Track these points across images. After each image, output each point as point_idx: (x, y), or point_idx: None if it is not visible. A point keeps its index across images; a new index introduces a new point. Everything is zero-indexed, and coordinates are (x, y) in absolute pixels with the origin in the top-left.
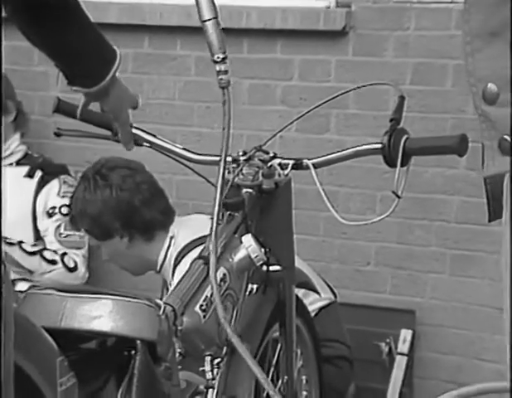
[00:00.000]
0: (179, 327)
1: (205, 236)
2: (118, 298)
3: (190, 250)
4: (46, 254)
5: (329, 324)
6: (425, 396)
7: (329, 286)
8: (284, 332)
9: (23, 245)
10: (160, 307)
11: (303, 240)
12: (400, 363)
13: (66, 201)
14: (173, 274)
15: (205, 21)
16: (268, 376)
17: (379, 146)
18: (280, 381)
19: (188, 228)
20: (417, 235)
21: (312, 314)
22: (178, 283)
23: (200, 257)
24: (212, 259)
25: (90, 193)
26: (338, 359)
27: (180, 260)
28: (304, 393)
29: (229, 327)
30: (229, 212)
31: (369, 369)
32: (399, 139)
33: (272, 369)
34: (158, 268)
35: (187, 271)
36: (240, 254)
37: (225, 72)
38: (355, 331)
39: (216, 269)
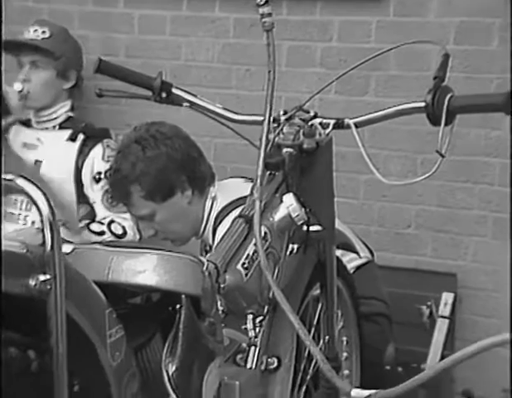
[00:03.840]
0: (221, 285)
1: (243, 197)
2: (163, 252)
3: (230, 212)
4: (93, 226)
5: (367, 282)
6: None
7: (367, 246)
8: (325, 292)
9: (68, 225)
10: (203, 263)
11: (343, 203)
12: (441, 326)
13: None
14: (213, 237)
15: None
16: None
17: (423, 104)
18: (321, 342)
19: (226, 191)
20: (460, 198)
21: (351, 271)
22: (220, 242)
23: (241, 216)
24: (257, 217)
25: (152, 150)
26: (376, 316)
27: (219, 222)
28: (344, 354)
29: (272, 280)
30: (269, 172)
31: (410, 332)
32: (443, 97)
33: (312, 329)
34: (201, 231)
35: (228, 229)
36: (281, 214)
37: (269, 15)
38: (396, 294)
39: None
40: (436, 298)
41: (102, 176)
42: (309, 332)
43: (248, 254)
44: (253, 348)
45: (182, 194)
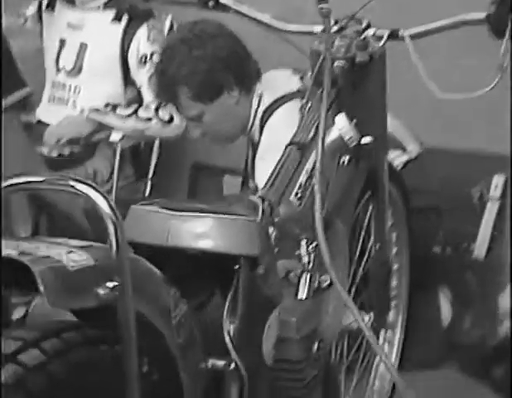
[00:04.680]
0: (275, 219)
1: (290, 94)
2: (220, 216)
3: (276, 108)
4: (141, 112)
5: (416, 175)
6: None
7: (415, 139)
8: (376, 200)
9: (118, 111)
10: (257, 204)
11: None
12: (491, 208)
13: (156, 47)
14: (261, 134)
15: None
16: (358, 241)
17: (485, 14)
18: (369, 245)
19: (272, 86)
20: None
21: (399, 167)
22: (272, 172)
23: (292, 143)
24: (319, 153)
25: (198, 50)
26: (426, 209)
27: (266, 120)
28: (394, 249)
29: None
30: (321, 89)
31: (459, 215)
32: (508, 7)
33: (363, 232)
34: (248, 128)
35: (281, 157)
36: (333, 136)
37: (325, 1)
38: (446, 178)
39: (309, 156)
40: (486, 181)
41: (148, 58)
42: (359, 236)
43: (300, 184)
44: (307, 276)
45: (229, 94)
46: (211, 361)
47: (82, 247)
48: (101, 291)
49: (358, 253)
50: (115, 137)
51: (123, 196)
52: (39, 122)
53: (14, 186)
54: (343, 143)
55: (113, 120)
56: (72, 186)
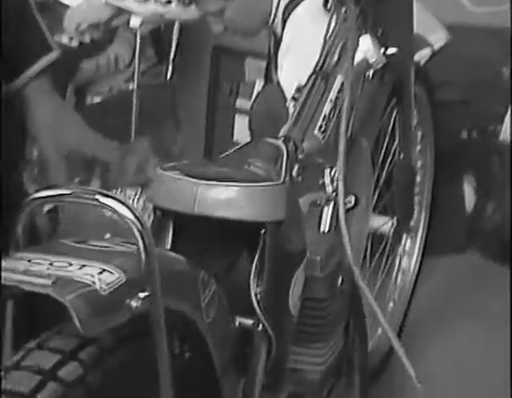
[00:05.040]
0: (299, 156)
1: None
2: (247, 184)
3: (299, 2)
4: None
5: (442, 67)
6: None
7: (441, 27)
8: (402, 107)
9: None
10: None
11: None
12: None
13: None
14: (283, 29)
15: None
16: (382, 145)
17: None
18: (393, 148)
19: None
20: None
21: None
22: (295, 108)
23: (315, 72)
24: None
25: None
26: (452, 102)
27: (289, 13)
28: (418, 147)
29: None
30: (344, 9)
31: (488, 96)
32: None
33: (387, 137)
34: (270, 22)
35: (304, 86)
36: (358, 58)
37: None
38: (475, 57)
39: (333, 84)
40: None
41: None
42: (381, 146)
43: (324, 115)
44: (329, 206)
45: None
46: (239, 320)
47: (111, 253)
48: (134, 303)
49: (381, 157)
50: (135, 22)
51: (145, 81)
52: (56, 1)
53: (40, 199)
54: (368, 66)
55: (131, 4)
56: (97, 200)
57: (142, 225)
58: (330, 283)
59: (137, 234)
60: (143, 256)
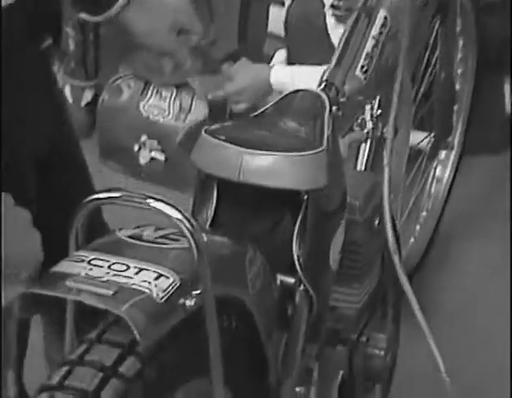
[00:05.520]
0: (341, 99)
1: None
2: (289, 153)
3: None
4: None
5: None
6: None
7: None
8: (445, 25)
9: None
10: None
11: None
12: None
13: None
14: None
15: None
16: (423, 60)
17: None
18: (433, 62)
19: None
20: None
21: None
22: (338, 47)
23: (360, 8)
24: None
25: None
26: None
27: None
28: (459, 55)
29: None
30: None
31: None
32: None
33: (428, 51)
34: None
35: (347, 28)
36: None
37: None
38: None
39: (375, 20)
40: None
41: None
42: (423, 57)
43: (366, 53)
44: (367, 144)
45: None
46: (280, 278)
47: (164, 252)
48: (188, 302)
49: (421, 71)
50: None
51: None
52: None
53: (91, 202)
54: None
55: None
56: (148, 204)
57: (192, 225)
58: (368, 225)
59: (188, 235)
60: (195, 256)
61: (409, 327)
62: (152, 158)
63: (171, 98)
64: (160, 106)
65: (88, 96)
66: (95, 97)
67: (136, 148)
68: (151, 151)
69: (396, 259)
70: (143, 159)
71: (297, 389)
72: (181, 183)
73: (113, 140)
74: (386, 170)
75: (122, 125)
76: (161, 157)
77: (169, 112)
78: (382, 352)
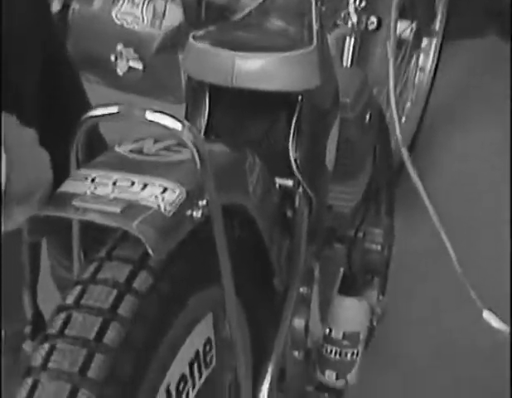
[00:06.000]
0: None
1: None
2: (283, 54)
3: None
4: None
5: None
6: None
7: None
8: None
9: None
10: None
11: None
12: None
13: None
14: None
15: None
16: None
17: None
18: None
19: None
20: None
21: None
22: None
23: None
24: None
25: None
26: None
27: None
28: None
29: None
30: None
31: None
32: None
33: None
34: None
35: None
36: None
37: None
38: None
39: None
40: None
41: None
42: None
43: None
44: (351, 39)
45: None
46: (279, 182)
47: (167, 165)
48: (195, 213)
49: None
50: None
51: None
52: None
53: (92, 118)
54: None
55: None
56: (147, 118)
57: (194, 135)
58: (359, 122)
59: (190, 145)
60: (199, 166)
61: (403, 220)
62: (130, 68)
63: (143, 4)
64: (133, 13)
65: (56, 6)
66: (65, 7)
67: (113, 58)
68: (128, 60)
69: (405, 152)
70: (121, 69)
71: (301, 289)
72: (161, 92)
73: (89, 51)
74: (391, 62)
75: (96, 35)
76: (138, 65)
77: (143, 18)
78: (379, 247)
